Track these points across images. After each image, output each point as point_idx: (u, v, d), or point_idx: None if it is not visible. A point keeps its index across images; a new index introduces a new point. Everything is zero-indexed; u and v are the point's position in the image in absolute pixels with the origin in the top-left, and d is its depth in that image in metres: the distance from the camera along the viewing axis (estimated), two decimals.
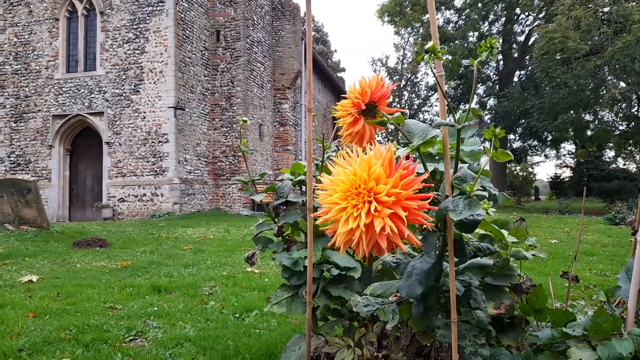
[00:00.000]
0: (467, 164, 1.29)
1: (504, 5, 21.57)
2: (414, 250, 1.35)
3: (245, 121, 1.79)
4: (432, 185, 1.03)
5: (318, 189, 0.87)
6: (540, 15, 20.81)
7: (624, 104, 17.76)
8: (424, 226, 1.01)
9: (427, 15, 1.11)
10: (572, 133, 20.65)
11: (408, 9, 23.40)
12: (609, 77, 17.30)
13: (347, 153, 0.86)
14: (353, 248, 0.84)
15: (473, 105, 1.18)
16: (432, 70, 0.96)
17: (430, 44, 0.91)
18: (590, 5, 15.61)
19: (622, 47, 13.97)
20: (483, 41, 0.96)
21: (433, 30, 1.01)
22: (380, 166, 0.81)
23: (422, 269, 1.16)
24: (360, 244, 0.81)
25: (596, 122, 20.43)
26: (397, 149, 1.42)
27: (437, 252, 1.17)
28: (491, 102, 24.97)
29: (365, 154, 0.85)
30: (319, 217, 0.85)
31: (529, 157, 28.74)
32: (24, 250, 6.31)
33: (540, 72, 16.48)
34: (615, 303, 1.31)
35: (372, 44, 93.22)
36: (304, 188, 1.79)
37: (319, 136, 1.78)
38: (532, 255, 1.39)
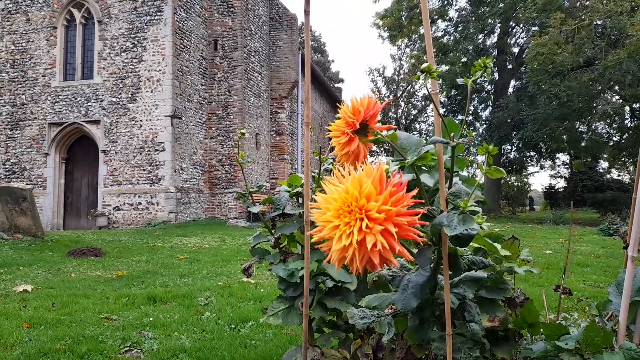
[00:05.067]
0: (458, 174, 1.31)
1: (499, 19, 21.82)
2: (408, 263, 1.37)
3: (243, 134, 1.81)
4: (423, 201, 1.05)
5: (313, 207, 0.89)
6: (533, 28, 21.09)
7: (616, 117, 17.96)
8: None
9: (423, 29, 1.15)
10: (566, 144, 20.81)
11: (405, 21, 23.62)
12: (600, 88, 17.51)
13: (340, 171, 0.88)
14: (347, 264, 0.86)
15: (468, 115, 1.22)
16: (427, 89, 0.99)
17: (425, 64, 0.94)
18: (582, 17, 15.83)
19: (614, 63, 14.15)
20: (478, 60, 0.99)
21: (428, 51, 1.03)
22: (371, 184, 0.83)
23: (418, 282, 1.18)
24: (354, 260, 0.83)
25: (590, 134, 20.61)
26: (393, 161, 1.44)
27: (432, 266, 1.19)
28: (486, 113, 25.16)
29: (357, 171, 0.87)
30: (315, 234, 0.87)
31: (526, 169, 28.91)
32: (19, 259, 6.27)
33: (532, 85, 16.67)
34: (607, 317, 1.33)
35: (370, 53, 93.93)
36: (300, 200, 1.80)
37: (316, 146, 1.81)
38: (525, 270, 1.41)
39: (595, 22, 15.91)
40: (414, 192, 0.87)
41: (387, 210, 0.83)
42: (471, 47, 22.59)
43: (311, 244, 1.53)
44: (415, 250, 1.16)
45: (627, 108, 15.78)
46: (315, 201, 0.90)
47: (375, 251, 0.83)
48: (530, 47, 15.83)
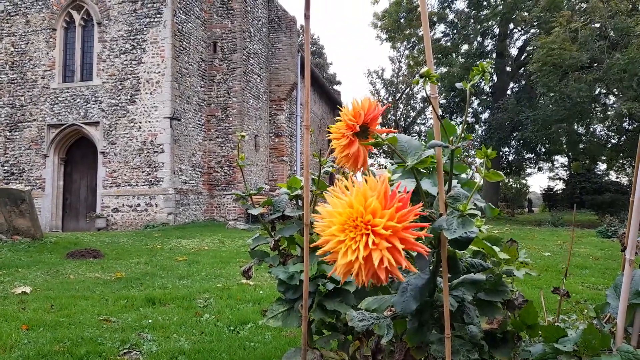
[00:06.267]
0: (458, 177, 1.32)
1: (498, 20, 21.86)
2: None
3: (243, 136, 1.82)
4: (426, 214, 1.05)
5: (316, 220, 0.89)
6: (532, 31, 21.13)
7: (615, 119, 17.97)
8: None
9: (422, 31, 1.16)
10: (564, 146, 20.83)
11: (405, 23, 23.65)
12: (603, 91, 17.53)
13: (343, 183, 0.88)
14: (353, 277, 0.86)
15: (467, 118, 1.23)
16: (426, 93, 1.00)
17: (425, 68, 0.94)
18: (582, 18, 15.84)
19: (627, 61, 14.07)
20: (477, 62, 1.00)
21: (428, 55, 1.04)
22: (376, 199, 0.83)
23: (417, 284, 1.19)
24: (360, 274, 0.83)
25: (588, 136, 20.65)
26: (393, 165, 1.45)
27: (431, 269, 1.19)
28: (485, 115, 25.21)
29: (365, 180, 0.87)
30: (319, 247, 0.87)
31: (525, 170, 28.94)
32: (17, 261, 6.26)
33: (541, 86, 16.63)
34: (605, 319, 1.33)
35: (368, 55, 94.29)
36: (300, 202, 1.81)
37: (315, 148, 1.81)
38: (525, 273, 1.42)
39: (594, 24, 15.92)
40: (419, 205, 0.87)
41: (393, 226, 0.82)
42: (471, 50, 22.63)
43: (312, 242, 1.54)
44: (414, 253, 1.16)
45: (624, 110, 15.72)
46: (316, 210, 0.90)
47: (382, 267, 0.83)
48: (540, 45, 15.79)
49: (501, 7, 20.85)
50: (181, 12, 14.12)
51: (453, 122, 1.24)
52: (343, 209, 0.84)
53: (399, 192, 0.89)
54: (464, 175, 1.39)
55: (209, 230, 11.98)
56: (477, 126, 25.57)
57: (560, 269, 5.54)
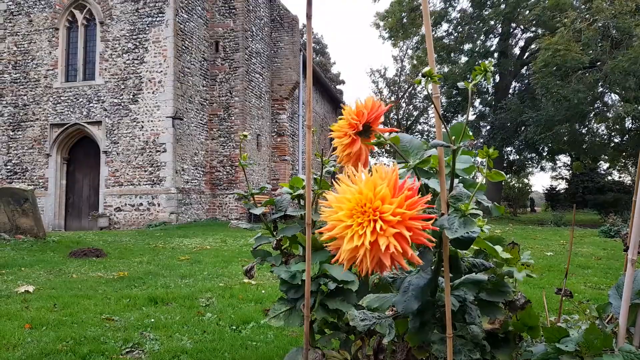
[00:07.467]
0: (462, 178, 1.32)
1: (500, 20, 21.80)
2: (409, 265, 1.37)
3: (245, 136, 1.82)
4: (434, 206, 1.05)
5: (324, 206, 0.90)
6: (533, 29, 21.09)
7: (618, 119, 17.91)
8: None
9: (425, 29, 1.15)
10: (567, 145, 20.78)
11: (407, 22, 23.61)
12: (606, 91, 17.47)
13: (352, 171, 0.89)
14: (356, 265, 0.86)
15: (470, 117, 1.22)
16: (428, 93, 1.00)
17: (426, 68, 0.94)
18: (587, 17, 15.80)
19: (624, 62, 14.01)
20: (479, 62, 1.00)
21: (430, 55, 1.04)
22: (386, 186, 0.84)
23: (418, 284, 1.19)
24: (364, 261, 0.83)
25: (590, 135, 20.58)
26: (397, 164, 1.45)
27: (432, 268, 1.19)
28: (488, 113, 25.13)
29: (375, 170, 0.88)
30: (323, 233, 0.88)
31: (526, 170, 28.86)
32: (20, 260, 6.28)
33: (540, 87, 16.59)
34: (607, 319, 1.33)
35: (371, 54, 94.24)
36: (302, 202, 1.81)
37: (317, 148, 1.81)
38: (525, 275, 1.41)
39: (599, 25, 15.84)
40: (428, 197, 0.88)
41: (402, 213, 0.83)
42: (474, 49, 22.58)
43: (314, 241, 1.54)
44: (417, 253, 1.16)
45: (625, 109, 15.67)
46: (320, 203, 0.90)
47: (388, 253, 0.83)
48: (544, 46, 15.74)
49: (504, 6, 20.81)
50: (183, 11, 14.14)
51: (455, 121, 1.24)
52: (352, 195, 0.84)
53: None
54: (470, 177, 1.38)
55: (211, 229, 11.99)
56: (480, 124, 25.49)
57: (562, 269, 5.53)
